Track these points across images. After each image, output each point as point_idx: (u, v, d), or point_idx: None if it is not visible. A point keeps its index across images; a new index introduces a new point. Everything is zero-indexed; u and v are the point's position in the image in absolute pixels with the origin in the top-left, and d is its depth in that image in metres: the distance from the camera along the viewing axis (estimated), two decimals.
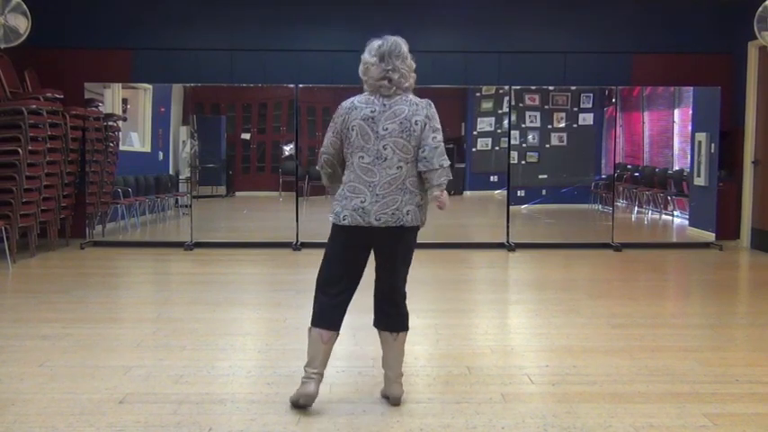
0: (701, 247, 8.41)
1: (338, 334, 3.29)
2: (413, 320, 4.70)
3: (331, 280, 3.26)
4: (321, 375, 3.26)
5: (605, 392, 3.46)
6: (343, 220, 3.20)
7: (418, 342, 4.31)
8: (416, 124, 3.16)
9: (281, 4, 8.65)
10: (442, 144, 3.17)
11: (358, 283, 3.30)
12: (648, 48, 8.74)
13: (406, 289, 3.38)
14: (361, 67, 3.26)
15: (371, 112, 3.17)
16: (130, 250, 8.08)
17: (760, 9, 6.98)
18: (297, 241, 8.25)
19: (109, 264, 7.30)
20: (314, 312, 3.28)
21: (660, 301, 5.73)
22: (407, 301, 3.38)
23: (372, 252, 3.30)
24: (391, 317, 3.33)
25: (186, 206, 8.56)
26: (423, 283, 6.28)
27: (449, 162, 3.19)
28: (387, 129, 3.16)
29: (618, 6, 8.73)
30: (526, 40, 8.76)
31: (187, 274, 6.97)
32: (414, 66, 3.27)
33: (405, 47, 3.24)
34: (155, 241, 8.59)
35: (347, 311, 3.31)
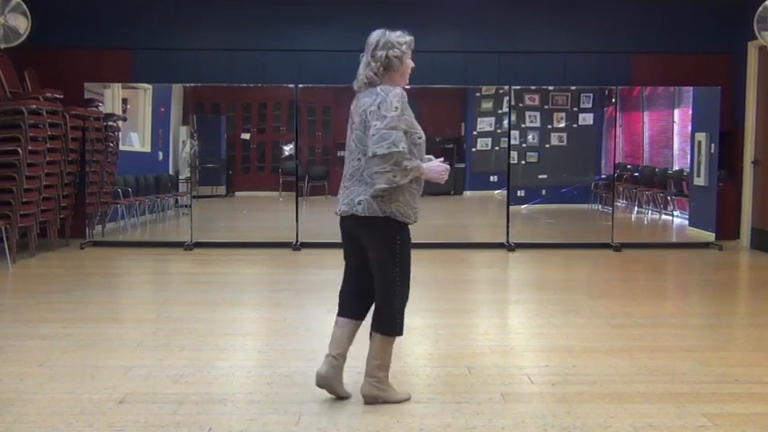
0: (700, 247, 8.40)
1: (358, 323, 3.35)
2: (413, 320, 4.71)
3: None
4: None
5: (605, 392, 3.46)
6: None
7: (418, 342, 4.31)
8: (369, 114, 3.09)
9: (281, 4, 8.65)
10: (383, 130, 2.99)
11: (360, 273, 3.31)
12: (648, 48, 8.74)
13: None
14: None
15: (352, 107, 3.29)
16: (130, 250, 8.08)
17: (760, 9, 6.98)
18: (297, 241, 8.25)
19: (109, 264, 7.30)
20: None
21: (660, 301, 5.73)
22: (408, 308, 3.31)
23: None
24: (374, 313, 3.32)
25: (186, 206, 8.56)
26: (423, 283, 6.28)
27: (387, 149, 2.98)
28: (354, 122, 3.23)
29: (618, 6, 8.73)
30: (526, 40, 8.76)
31: (187, 274, 6.97)
32: (382, 56, 3.15)
33: (377, 36, 3.19)
34: (154, 241, 8.59)
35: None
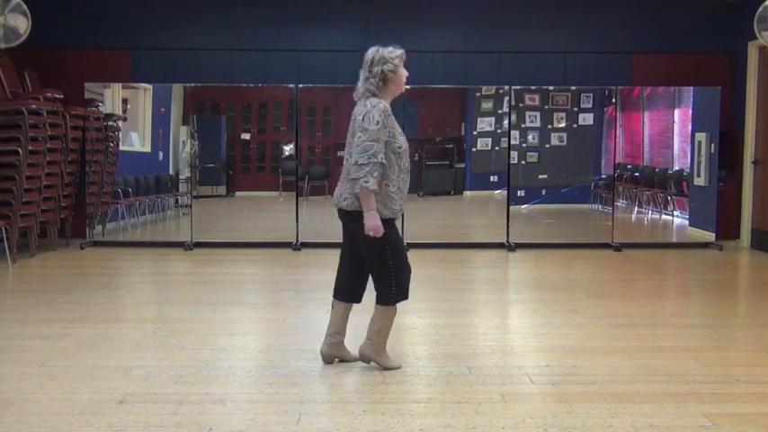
0: (700, 247, 8.41)
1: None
2: (412, 320, 4.73)
3: None
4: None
5: (605, 392, 3.46)
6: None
7: (418, 342, 4.31)
8: (354, 122, 3.58)
9: (281, 4, 8.65)
10: (366, 142, 3.46)
11: (350, 259, 3.85)
12: (648, 48, 8.74)
13: None
14: None
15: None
16: (130, 250, 8.08)
17: (760, 9, 6.98)
18: (297, 241, 8.25)
19: (109, 264, 7.30)
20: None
21: (660, 301, 5.73)
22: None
23: None
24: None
25: (186, 206, 8.56)
26: (423, 283, 6.28)
27: (367, 160, 3.45)
28: (352, 127, 3.63)
29: (617, 6, 8.72)
30: (526, 40, 8.76)
31: (187, 274, 6.97)
32: (378, 71, 3.55)
33: (372, 54, 3.59)
34: (155, 241, 8.59)
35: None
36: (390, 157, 3.54)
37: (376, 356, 3.74)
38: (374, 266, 3.68)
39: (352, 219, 3.63)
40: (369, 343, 3.74)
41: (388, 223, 3.60)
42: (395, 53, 3.61)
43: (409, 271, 3.73)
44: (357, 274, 3.80)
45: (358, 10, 8.66)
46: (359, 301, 3.87)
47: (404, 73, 3.67)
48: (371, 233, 3.51)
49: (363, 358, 3.77)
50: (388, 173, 3.55)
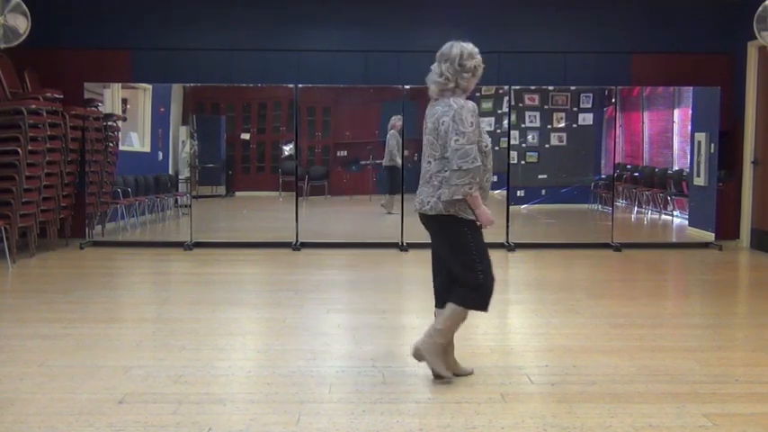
0: (700, 247, 8.41)
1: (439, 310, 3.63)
2: (413, 320, 4.73)
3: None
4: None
5: (605, 392, 3.46)
6: None
7: None
8: (443, 125, 3.38)
9: (281, 4, 8.65)
10: (466, 146, 3.31)
11: (439, 265, 3.65)
12: (648, 48, 8.74)
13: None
14: None
15: (427, 112, 3.54)
16: (130, 250, 8.08)
17: (760, 9, 6.98)
18: (296, 241, 8.25)
19: (109, 264, 7.30)
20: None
21: (660, 301, 5.73)
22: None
23: None
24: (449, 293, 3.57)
25: (186, 206, 8.56)
26: (423, 282, 6.27)
27: (471, 164, 3.31)
28: (427, 126, 3.51)
29: (617, 6, 8.73)
30: (526, 41, 8.76)
31: (187, 274, 6.97)
32: (471, 66, 3.44)
33: (459, 48, 3.45)
34: (154, 241, 8.58)
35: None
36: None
37: (429, 356, 3.53)
38: (459, 269, 3.48)
39: (434, 222, 3.49)
40: (425, 340, 3.53)
41: (471, 225, 3.45)
42: (476, 48, 3.51)
43: (493, 281, 3.51)
44: (451, 279, 3.58)
45: (358, 10, 8.66)
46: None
47: None
48: (489, 226, 3.45)
49: (416, 355, 3.58)
50: None
